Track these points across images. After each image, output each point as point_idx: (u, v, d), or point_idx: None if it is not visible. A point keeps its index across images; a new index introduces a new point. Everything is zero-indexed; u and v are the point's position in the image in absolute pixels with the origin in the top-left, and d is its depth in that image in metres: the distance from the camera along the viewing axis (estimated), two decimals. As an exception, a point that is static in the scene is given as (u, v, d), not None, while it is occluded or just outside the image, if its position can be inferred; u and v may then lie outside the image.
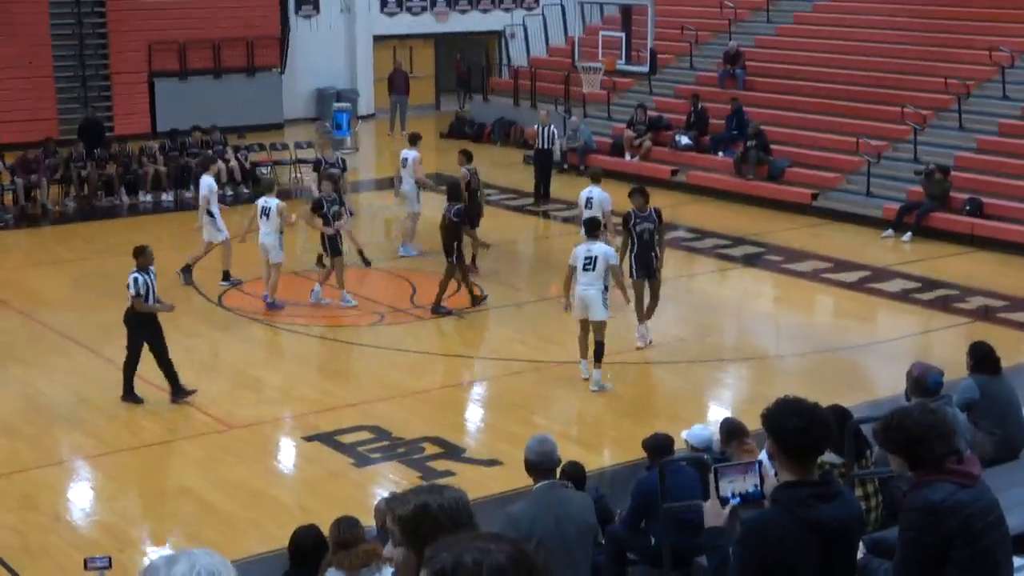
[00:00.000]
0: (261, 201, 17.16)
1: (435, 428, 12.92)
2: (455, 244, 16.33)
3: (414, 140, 20.27)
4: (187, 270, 17.94)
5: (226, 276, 17.95)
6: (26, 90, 28.00)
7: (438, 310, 16.40)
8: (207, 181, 18.25)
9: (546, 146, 23.33)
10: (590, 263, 13.58)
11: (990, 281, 18.13)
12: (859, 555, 5.68)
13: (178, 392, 13.41)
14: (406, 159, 19.86)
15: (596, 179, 17.75)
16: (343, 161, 21.20)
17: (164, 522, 11.02)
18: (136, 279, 13.23)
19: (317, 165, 20.45)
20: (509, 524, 7.10)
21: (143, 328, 13.34)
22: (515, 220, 20.82)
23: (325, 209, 16.79)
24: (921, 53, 25.27)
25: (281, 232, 16.93)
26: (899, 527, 5.33)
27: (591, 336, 13.77)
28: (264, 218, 16.90)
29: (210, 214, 17.90)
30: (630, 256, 15.08)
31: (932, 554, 5.12)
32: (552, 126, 23.68)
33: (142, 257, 13.43)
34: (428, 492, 3.57)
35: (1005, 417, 10.00)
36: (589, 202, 17.06)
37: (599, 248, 13.70)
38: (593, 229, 14.00)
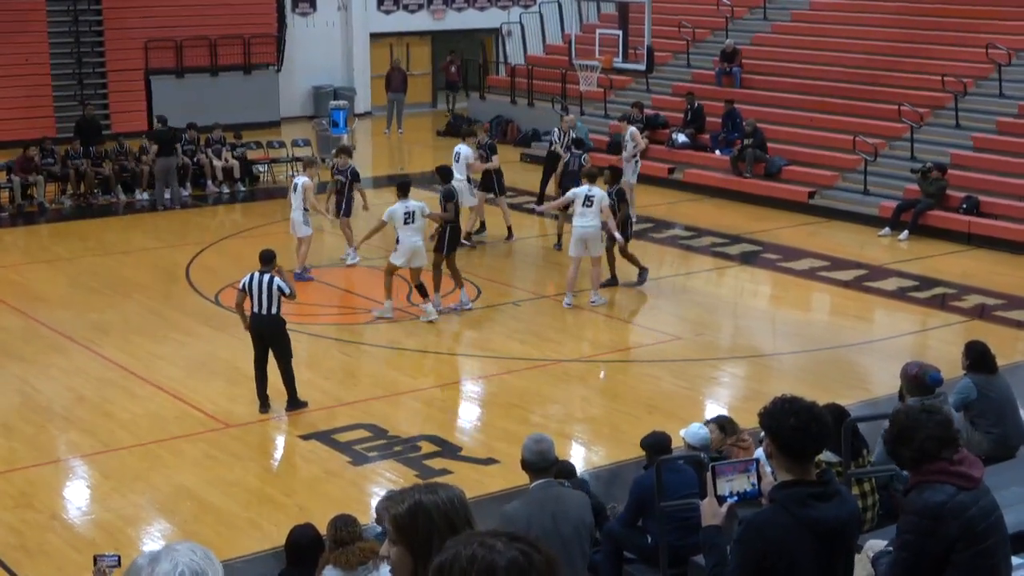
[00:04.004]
0: (295, 177, 18.36)
1: (432, 426, 12.93)
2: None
3: (466, 135, 20.17)
4: (468, 237, 19.22)
5: (468, 236, 19.23)
6: (23, 88, 28.00)
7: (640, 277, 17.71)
8: (467, 151, 19.31)
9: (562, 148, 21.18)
10: (410, 216, 15.79)
11: (987, 279, 18.14)
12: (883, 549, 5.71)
13: (294, 403, 13.17)
14: (459, 153, 19.42)
15: (593, 178, 17.27)
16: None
17: (161, 521, 11.01)
18: (284, 282, 12.96)
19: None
20: (505, 522, 7.09)
21: (285, 331, 13.09)
22: (512, 218, 20.70)
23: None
24: (918, 51, 25.28)
25: (307, 209, 17.68)
26: (898, 528, 5.32)
27: (404, 279, 16.32)
28: (293, 193, 17.80)
29: (469, 180, 19.28)
30: (449, 230, 16.41)
31: (930, 557, 5.12)
32: (573, 131, 21.85)
33: (275, 261, 13.21)
34: (423, 491, 3.54)
35: (1002, 416, 10.01)
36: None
37: (414, 203, 16.04)
38: (405, 188, 16.32)
